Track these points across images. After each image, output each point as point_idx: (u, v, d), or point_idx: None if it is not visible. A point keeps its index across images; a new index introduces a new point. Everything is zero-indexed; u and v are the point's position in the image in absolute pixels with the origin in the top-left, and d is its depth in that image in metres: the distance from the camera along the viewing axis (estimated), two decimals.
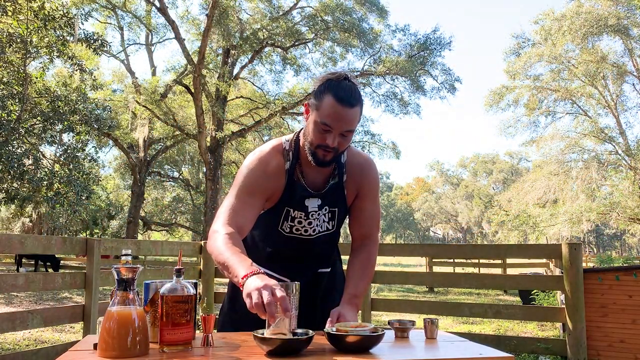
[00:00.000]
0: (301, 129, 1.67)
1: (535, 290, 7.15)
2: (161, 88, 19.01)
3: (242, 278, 1.28)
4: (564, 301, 4.15)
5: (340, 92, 1.49)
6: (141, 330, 1.16)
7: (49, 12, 9.75)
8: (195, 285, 1.34)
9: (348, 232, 1.87)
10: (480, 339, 4.24)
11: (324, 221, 1.68)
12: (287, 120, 21.39)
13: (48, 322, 3.57)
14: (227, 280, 1.81)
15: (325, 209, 1.66)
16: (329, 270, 1.80)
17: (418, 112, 20.58)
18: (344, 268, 1.90)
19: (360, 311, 4.85)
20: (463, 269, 15.76)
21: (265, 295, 1.17)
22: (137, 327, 1.15)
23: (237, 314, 1.70)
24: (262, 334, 1.23)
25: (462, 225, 64.32)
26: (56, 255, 13.98)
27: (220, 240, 1.47)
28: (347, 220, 1.82)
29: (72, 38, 10.50)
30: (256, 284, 1.22)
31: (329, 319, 1.53)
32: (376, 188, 1.75)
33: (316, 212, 1.65)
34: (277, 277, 1.67)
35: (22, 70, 10.00)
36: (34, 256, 13.88)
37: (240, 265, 1.35)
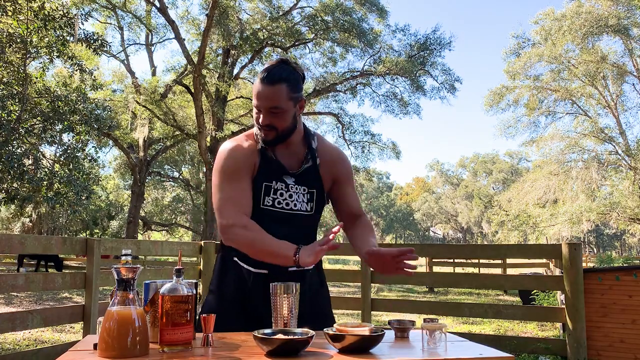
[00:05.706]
0: None
1: (535, 290, 7.16)
2: (161, 88, 19.00)
3: (294, 255, 1.47)
4: (564, 301, 4.15)
5: (263, 73, 1.59)
6: (141, 330, 1.16)
7: (49, 12, 9.74)
8: (195, 285, 1.34)
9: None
10: (480, 339, 4.24)
11: (302, 201, 1.71)
12: None
13: (48, 322, 3.57)
14: None
15: (304, 189, 1.71)
16: (312, 267, 1.76)
17: (418, 112, 20.58)
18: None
19: (360, 311, 4.86)
20: (463, 269, 15.74)
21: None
22: (137, 327, 1.15)
23: (224, 303, 1.69)
24: (262, 334, 1.23)
25: (462, 225, 64.28)
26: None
27: (247, 230, 1.55)
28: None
29: (72, 38, 10.49)
30: (308, 253, 1.47)
31: (369, 252, 1.62)
32: (352, 174, 1.87)
33: (294, 186, 1.70)
34: (259, 272, 1.65)
35: (22, 70, 9.99)
36: (36, 256, 13.87)
37: (283, 246, 1.51)
